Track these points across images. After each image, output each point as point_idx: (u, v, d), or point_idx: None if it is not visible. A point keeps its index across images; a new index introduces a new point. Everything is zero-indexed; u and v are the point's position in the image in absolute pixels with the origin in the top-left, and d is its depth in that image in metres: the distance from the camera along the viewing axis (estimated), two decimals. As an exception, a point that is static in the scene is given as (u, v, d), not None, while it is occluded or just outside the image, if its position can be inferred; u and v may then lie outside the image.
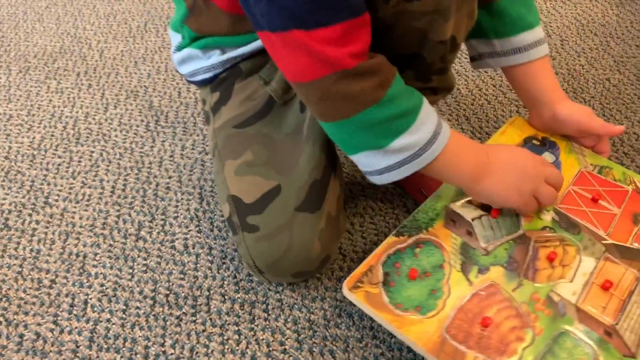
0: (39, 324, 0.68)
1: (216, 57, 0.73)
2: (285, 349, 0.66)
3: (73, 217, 0.82)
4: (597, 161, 0.78)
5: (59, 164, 0.91)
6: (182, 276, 0.74)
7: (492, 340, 0.59)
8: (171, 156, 0.92)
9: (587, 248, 0.68)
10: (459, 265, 0.64)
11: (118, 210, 0.83)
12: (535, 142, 0.79)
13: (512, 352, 0.58)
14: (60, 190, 0.86)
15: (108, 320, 0.69)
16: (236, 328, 0.68)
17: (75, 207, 0.84)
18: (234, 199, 0.67)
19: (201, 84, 0.77)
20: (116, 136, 0.96)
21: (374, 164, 0.60)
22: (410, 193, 0.84)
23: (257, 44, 0.70)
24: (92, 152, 0.93)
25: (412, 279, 0.63)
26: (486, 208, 0.69)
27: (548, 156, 0.77)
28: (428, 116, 0.59)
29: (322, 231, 0.66)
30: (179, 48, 0.75)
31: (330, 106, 0.57)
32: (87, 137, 0.96)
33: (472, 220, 0.67)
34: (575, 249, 0.67)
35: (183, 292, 0.72)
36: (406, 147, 0.59)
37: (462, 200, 0.69)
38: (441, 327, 0.59)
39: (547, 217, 0.70)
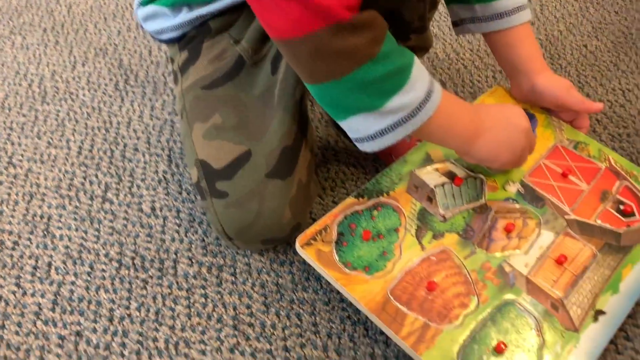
0: (0, 286, 0.67)
1: (184, 15, 0.70)
2: (251, 312, 0.66)
3: (38, 178, 0.80)
4: (574, 136, 0.77)
5: (24, 123, 0.88)
6: (148, 239, 0.73)
7: (436, 305, 0.59)
8: (140, 116, 0.90)
9: (549, 222, 0.67)
10: (413, 230, 0.64)
11: (84, 172, 0.81)
12: None
13: (454, 317, 0.58)
14: (24, 150, 0.84)
15: (72, 283, 0.68)
16: (203, 291, 0.68)
17: (40, 167, 0.81)
18: (202, 163, 0.66)
19: (168, 42, 0.74)
20: (84, 95, 0.93)
21: (367, 128, 0.57)
22: (382, 158, 0.84)
23: (227, 0, 0.68)
24: (59, 111, 0.90)
25: (365, 240, 0.63)
26: (451, 176, 0.69)
27: None
28: (421, 74, 0.56)
29: (293, 198, 0.65)
30: (144, 3, 0.72)
31: (322, 64, 0.53)
32: (54, 95, 0.93)
33: (435, 187, 0.67)
34: (535, 222, 0.67)
35: (149, 255, 0.71)
36: (401, 107, 0.55)
37: (429, 167, 0.69)
38: (386, 288, 0.60)
39: (512, 188, 0.70)
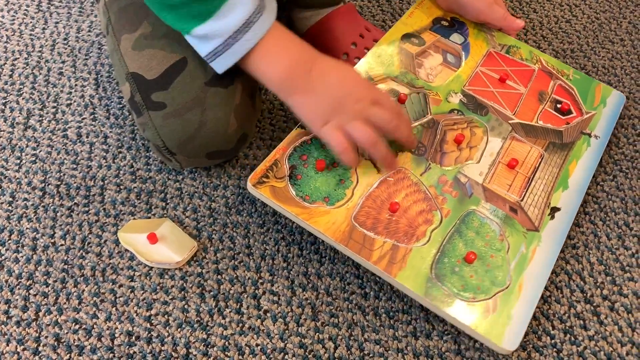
0: None
1: None
2: (183, 237, 0.64)
3: (-47, 106, 0.75)
4: (505, 41, 0.77)
5: (-64, 48, 0.82)
6: (74, 166, 0.69)
7: (401, 225, 0.59)
8: (65, 39, 0.84)
9: (494, 129, 0.68)
10: (367, 154, 0.63)
11: (4, 98, 0.76)
12: (444, 22, 0.77)
13: (421, 235, 0.58)
14: (-63, 77, 0.78)
15: (-8, 213, 0.65)
16: (131, 217, 0.65)
17: (-45, 94, 0.76)
18: (134, 76, 0.62)
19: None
20: (2, 17, 0.86)
21: (197, 48, 0.58)
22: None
23: None
24: (-25, 34, 0.84)
25: (320, 170, 0.61)
26: (394, 94, 0.67)
27: (457, 37, 0.75)
28: (241, 1, 0.54)
29: (238, 107, 0.62)
30: None
31: None
32: (-31, 17, 0.86)
33: None
34: (482, 130, 0.67)
35: (75, 183, 0.68)
36: (211, 35, 0.55)
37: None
38: (349, 216, 0.58)
39: (455, 99, 0.69)
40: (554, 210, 0.62)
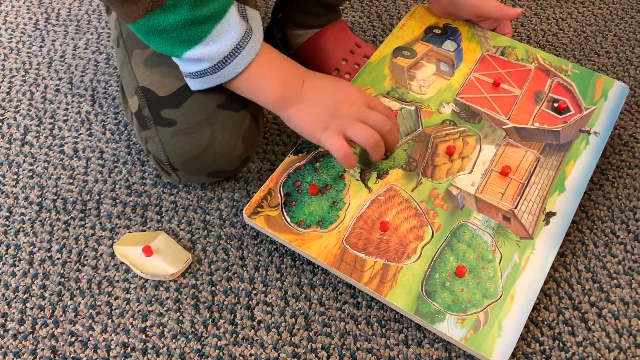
0: None
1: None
2: (178, 250, 0.65)
3: (-49, 123, 0.76)
4: (499, 42, 0.76)
5: None
6: (71, 181, 0.71)
7: (391, 243, 0.59)
8: (62, 56, 0.86)
9: (488, 136, 0.67)
10: (357, 174, 0.64)
11: (2, 115, 0.77)
12: (436, 31, 0.77)
13: (412, 252, 0.59)
14: (-64, 95, 0.79)
15: (-10, 228, 0.66)
16: (127, 231, 0.66)
17: (-47, 112, 0.77)
18: (144, 90, 0.63)
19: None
20: (0, 35, 0.88)
21: (182, 68, 0.59)
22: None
23: None
24: (-27, 53, 0.85)
25: (313, 194, 0.62)
26: None
27: (449, 44, 0.75)
28: (230, 27, 0.56)
29: (247, 131, 0.63)
30: None
31: (117, 7, 0.55)
32: (-33, 36, 0.88)
33: None
34: (475, 139, 0.67)
35: (72, 197, 0.69)
36: (202, 59, 0.56)
37: None
38: (341, 239, 0.59)
39: (447, 109, 0.69)
40: (549, 215, 0.61)
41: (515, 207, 0.62)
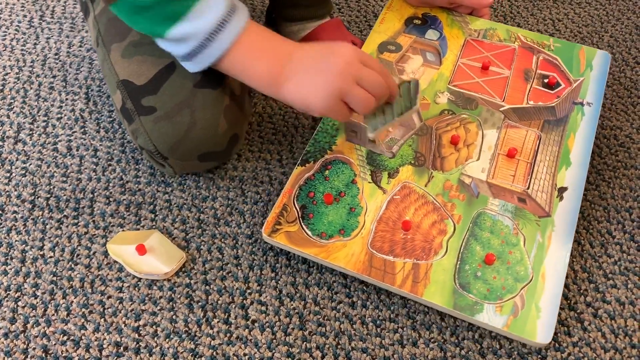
0: None
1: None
2: (172, 249, 0.64)
3: (-56, 120, 0.75)
4: (479, 25, 0.77)
5: None
6: (64, 179, 0.70)
7: (417, 242, 0.59)
8: (56, 54, 0.85)
9: (487, 120, 0.68)
10: (369, 177, 0.63)
11: (-5, 112, 0.77)
12: (416, 21, 0.77)
13: (438, 247, 0.59)
14: None
15: (-18, 226, 0.65)
16: (120, 229, 0.66)
17: (-54, 109, 0.77)
18: (124, 83, 0.63)
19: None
20: (-6, 33, 0.88)
21: (172, 52, 0.58)
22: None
23: None
24: (-34, 50, 0.85)
25: (329, 203, 0.61)
26: None
27: (432, 33, 0.75)
28: (214, 2, 0.55)
29: (228, 108, 0.62)
30: None
31: None
32: (-39, 33, 0.87)
33: (365, 117, 0.64)
34: (475, 125, 0.67)
35: (65, 195, 0.68)
36: (186, 37, 0.55)
37: None
38: (365, 244, 0.59)
39: (443, 99, 0.70)
40: (562, 190, 0.62)
41: (528, 188, 0.62)
